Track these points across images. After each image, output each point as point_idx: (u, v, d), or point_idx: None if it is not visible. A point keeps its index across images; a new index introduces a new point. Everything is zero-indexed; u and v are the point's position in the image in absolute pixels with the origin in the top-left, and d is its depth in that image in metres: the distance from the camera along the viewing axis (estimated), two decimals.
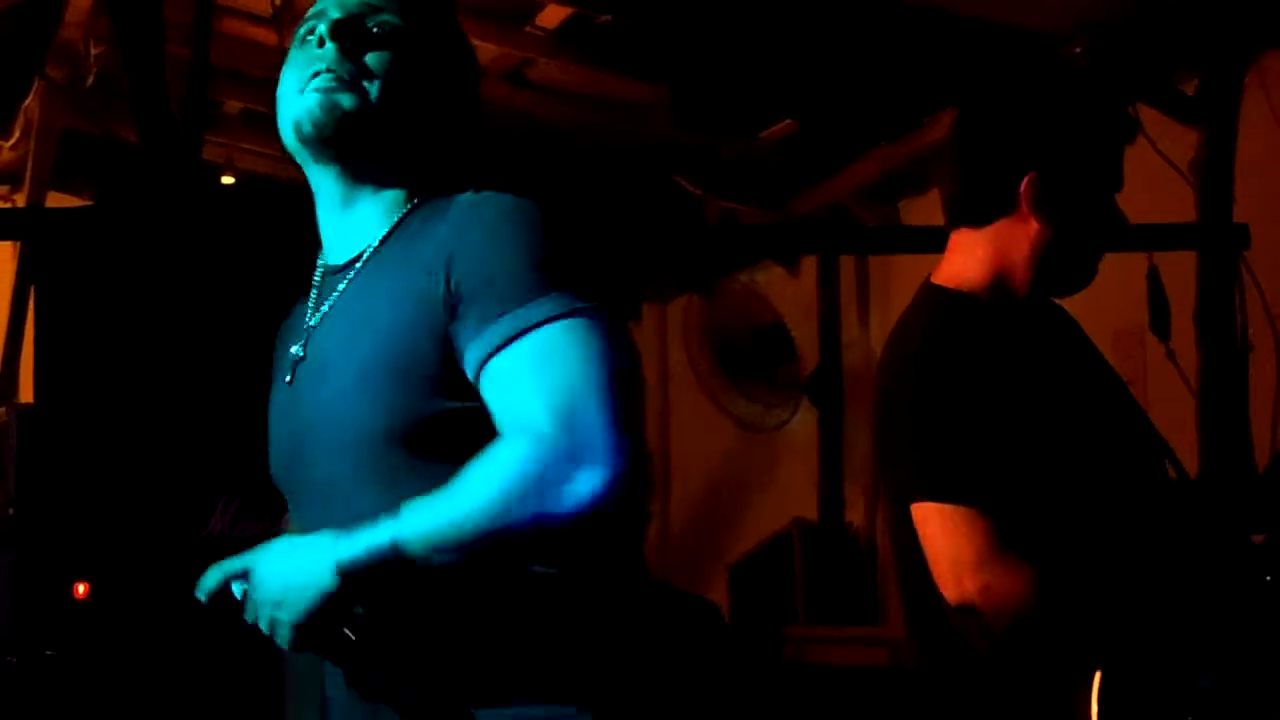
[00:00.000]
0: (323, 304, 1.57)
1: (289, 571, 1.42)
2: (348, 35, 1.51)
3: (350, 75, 1.51)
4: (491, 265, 1.41)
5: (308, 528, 1.51)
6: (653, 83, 4.63)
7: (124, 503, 2.84)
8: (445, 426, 1.42)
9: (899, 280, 4.65)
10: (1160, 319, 3.47)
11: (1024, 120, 1.98)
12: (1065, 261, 1.98)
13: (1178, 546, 2.00)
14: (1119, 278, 3.65)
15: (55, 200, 5.12)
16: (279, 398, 1.62)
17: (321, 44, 1.52)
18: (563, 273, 1.41)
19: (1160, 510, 1.99)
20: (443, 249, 1.43)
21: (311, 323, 1.57)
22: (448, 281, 1.41)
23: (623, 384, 1.38)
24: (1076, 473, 1.90)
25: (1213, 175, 3.62)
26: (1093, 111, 2.00)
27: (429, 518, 1.37)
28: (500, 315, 1.38)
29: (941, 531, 1.82)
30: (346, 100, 1.50)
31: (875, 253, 5.05)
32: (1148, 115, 3.73)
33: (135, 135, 3.54)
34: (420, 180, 1.55)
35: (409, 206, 1.54)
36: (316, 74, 1.51)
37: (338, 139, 1.51)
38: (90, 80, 4.61)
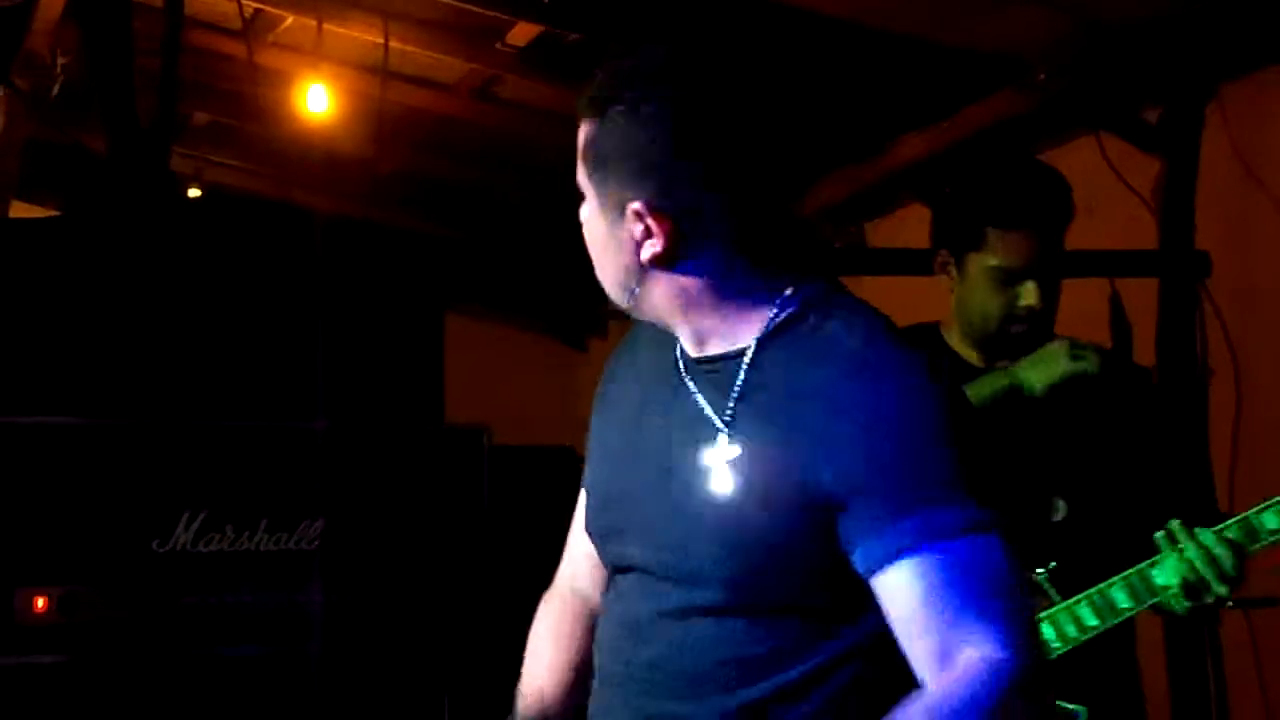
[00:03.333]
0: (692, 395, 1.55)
1: None
2: None
3: None
4: (886, 454, 1.38)
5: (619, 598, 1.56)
6: None
7: (86, 516, 2.82)
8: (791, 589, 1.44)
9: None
10: (1122, 344, 3.50)
11: None
12: None
13: None
14: (1082, 303, 3.69)
15: (20, 211, 5.08)
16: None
17: None
18: (967, 472, 1.37)
19: None
20: (830, 429, 1.40)
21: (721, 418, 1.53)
22: (844, 471, 1.39)
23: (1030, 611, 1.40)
24: None
25: (1174, 203, 3.66)
26: None
27: None
28: (911, 514, 1.36)
29: None
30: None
31: (841, 274, 5.07)
32: (1111, 144, 3.78)
33: (102, 146, 3.53)
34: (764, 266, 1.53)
35: (776, 308, 1.52)
36: None
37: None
38: (56, 90, 4.59)
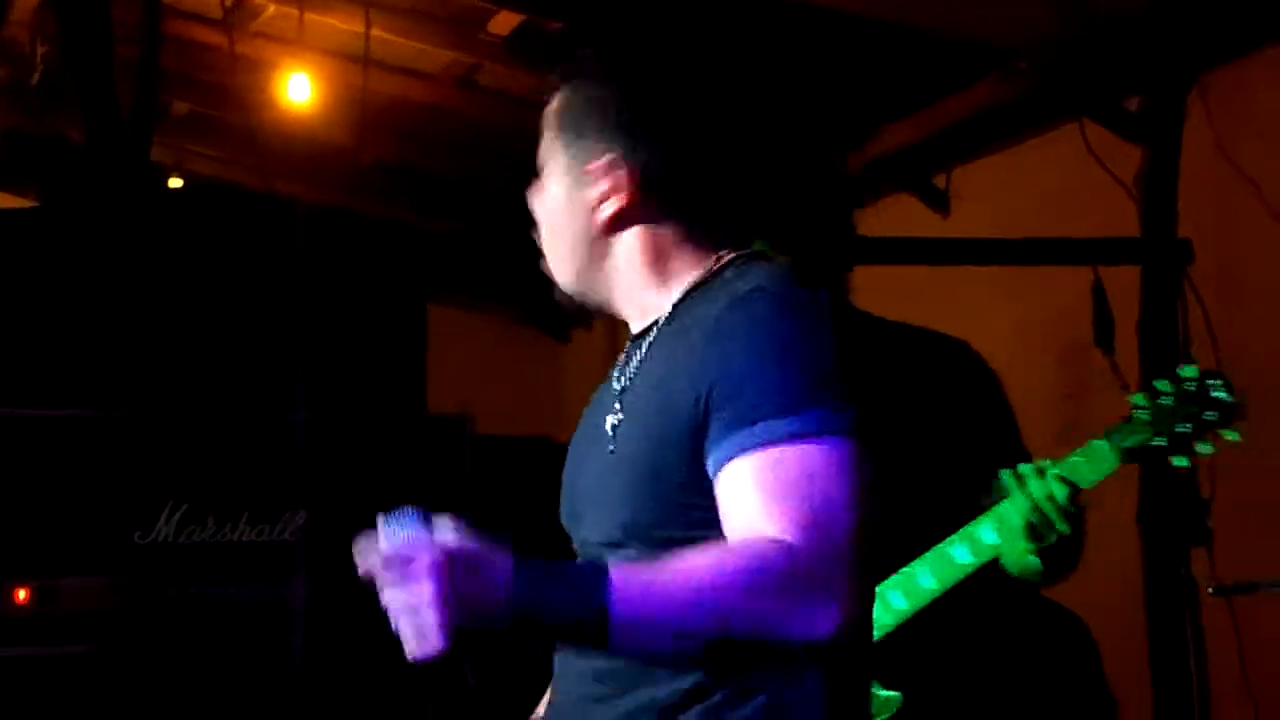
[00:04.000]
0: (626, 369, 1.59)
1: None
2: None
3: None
4: (746, 367, 1.40)
5: None
6: None
7: (67, 508, 2.81)
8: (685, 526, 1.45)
9: (852, 289, 4.66)
10: (1104, 332, 3.50)
11: None
12: None
13: None
14: (1065, 291, 3.70)
15: None
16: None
17: None
18: (821, 387, 1.39)
19: None
20: (702, 354, 1.44)
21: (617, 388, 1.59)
22: (707, 391, 1.42)
23: (870, 526, 1.37)
24: None
25: (1156, 191, 3.67)
26: None
27: (650, 596, 1.30)
28: (752, 423, 1.37)
29: None
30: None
31: (824, 263, 5.06)
32: (1094, 132, 3.78)
33: (81, 136, 3.51)
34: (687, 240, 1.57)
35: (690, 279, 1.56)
36: None
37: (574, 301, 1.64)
38: (36, 80, 4.56)
